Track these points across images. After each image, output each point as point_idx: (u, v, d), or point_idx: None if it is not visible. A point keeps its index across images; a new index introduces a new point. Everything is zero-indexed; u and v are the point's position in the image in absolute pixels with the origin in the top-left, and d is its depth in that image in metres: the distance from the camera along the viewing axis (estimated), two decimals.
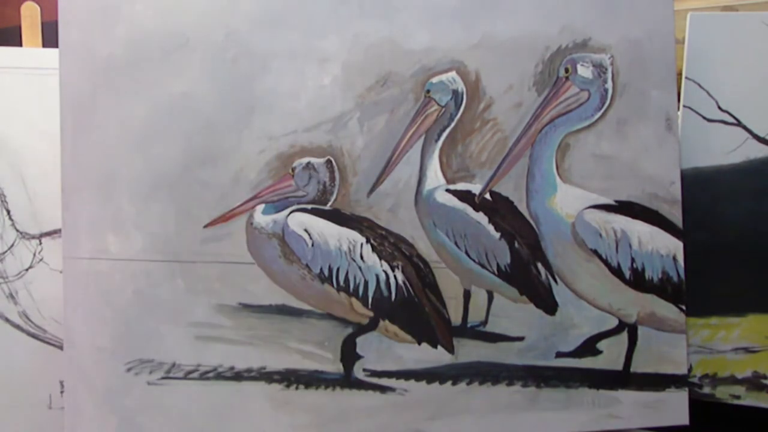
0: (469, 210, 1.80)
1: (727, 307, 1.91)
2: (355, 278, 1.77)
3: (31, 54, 2.12)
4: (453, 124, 1.79)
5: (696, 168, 1.92)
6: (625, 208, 1.83)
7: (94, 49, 1.73)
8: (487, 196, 1.80)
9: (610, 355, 1.83)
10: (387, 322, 1.78)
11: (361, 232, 1.78)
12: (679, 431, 1.86)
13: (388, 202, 1.78)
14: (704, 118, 1.93)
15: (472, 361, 1.80)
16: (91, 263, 1.74)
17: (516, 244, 1.81)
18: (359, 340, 1.78)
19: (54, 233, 2.06)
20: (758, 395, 1.90)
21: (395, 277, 1.78)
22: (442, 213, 1.79)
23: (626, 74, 1.82)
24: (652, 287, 1.84)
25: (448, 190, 1.79)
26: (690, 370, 1.89)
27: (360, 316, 1.78)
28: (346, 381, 1.78)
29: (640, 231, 1.83)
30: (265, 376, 1.77)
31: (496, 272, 1.81)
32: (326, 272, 1.77)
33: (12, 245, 2.06)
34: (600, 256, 1.82)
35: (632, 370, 1.83)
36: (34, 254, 2.07)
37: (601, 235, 1.82)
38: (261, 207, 1.76)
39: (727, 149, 1.91)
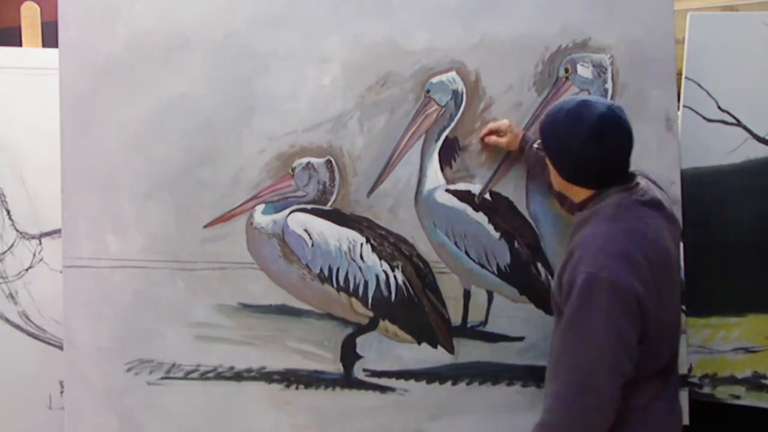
0: (469, 210, 1.80)
1: (727, 307, 1.91)
2: (355, 278, 1.77)
3: (31, 54, 2.13)
4: (453, 124, 1.79)
5: (696, 168, 1.92)
6: None
7: (94, 49, 1.74)
8: (487, 196, 1.80)
9: None
10: (387, 322, 1.78)
11: (361, 232, 1.78)
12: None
13: (388, 202, 1.78)
14: (704, 118, 1.93)
15: (472, 361, 1.80)
16: (91, 263, 1.74)
17: (516, 244, 1.81)
18: (359, 340, 1.78)
19: (54, 233, 2.06)
20: (758, 395, 1.90)
21: (395, 277, 1.78)
22: (442, 213, 1.79)
23: (626, 74, 1.81)
24: None
25: (447, 190, 1.79)
26: (690, 370, 1.89)
27: (360, 316, 1.78)
28: (346, 381, 1.78)
29: None
30: (265, 376, 1.77)
31: (496, 272, 1.80)
32: (326, 272, 1.77)
33: (12, 245, 2.06)
34: None
35: None
36: (34, 254, 2.07)
37: None
38: (261, 207, 1.76)
39: (727, 149, 1.91)
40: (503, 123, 1.74)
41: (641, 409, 1.39)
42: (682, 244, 1.82)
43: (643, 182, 1.48)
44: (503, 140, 1.73)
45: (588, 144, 1.39)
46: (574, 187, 1.48)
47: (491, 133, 1.75)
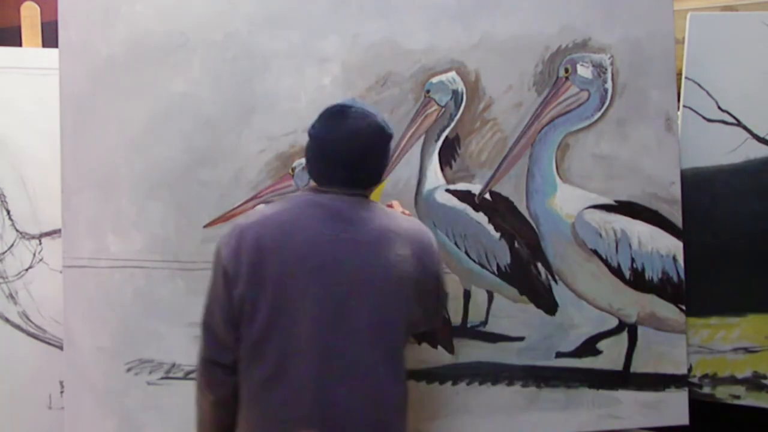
0: (469, 210, 1.80)
1: (727, 307, 1.91)
2: None
3: (31, 54, 2.13)
4: (453, 124, 1.79)
5: (696, 168, 1.92)
6: (625, 208, 1.83)
7: (94, 49, 1.73)
8: (487, 196, 1.80)
9: (610, 355, 1.83)
10: None
11: None
12: (679, 431, 1.86)
13: (388, 202, 1.78)
14: (704, 118, 1.93)
15: (472, 361, 1.80)
16: (91, 263, 1.74)
17: (516, 244, 1.81)
18: None
19: (54, 233, 2.06)
20: (758, 395, 1.90)
21: None
22: (442, 213, 1.79)
23: (626, 74, 1.81)
24: (652, 287, 1.83)
25: (447, 190, 1.79)
26: (690, 370, 1.89)
27: None
28: None
29: (640, 231, 1.83)
30: None
31: (496, 272, 1.80)
32: None
33: (12, 245, 2.06)
34: (600, 256, 1.82)
35: (632, 370, 1.83)
36: (34, 254, 2.07)
37: (601, 235, 1.81)
38: (261, 207, 1.76)
39: (727, 149, 1.91)
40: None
41: (257, 386, 1.37)
42: (682, 244, 1.83)
43: (357, 202, 1.42)
44: None
45: (315, 125, 1.42)
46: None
47: None
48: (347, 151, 1.40)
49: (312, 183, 1.47)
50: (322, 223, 1.39)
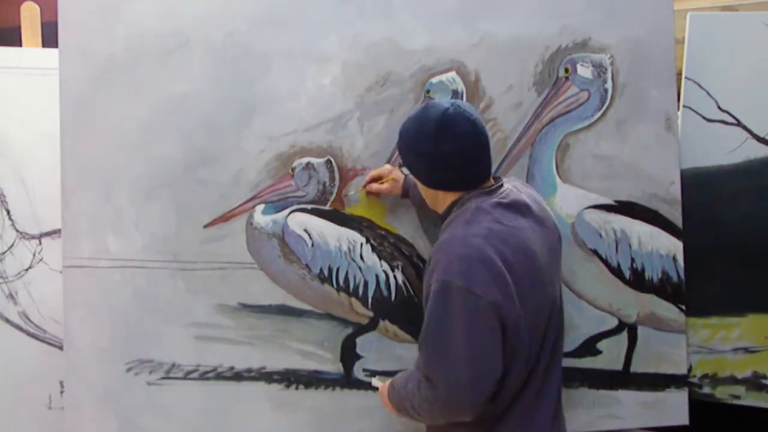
0: None
1: (727, 307, 1.91)
2: (354, 278, 1.77)
3: (31, 54, 2.13)
4: None
5: (696, 168, 1.92)
6: (625, 208, 1.83)
7: (94, 49, 1.73)
8: None
9: (610, 355, 1.83)
10: (387, 322, 1.78)
11: (360, 232, 1.78)
12: (679, 431, 1.86)
13: (388, 202, 1.78)
14: (704, 118, 1.93)
15: None
16: (91, 263, 1.74)
17: None
18: (359, 340, 1.78)
19: (54, 233, 2.06)
20: (758, 395, 1.90)
21: (395, 277, 1.78)
22: None
23: (626, 74, 1.81)
24: (651, 287, 1.83)
25: None
26: (690, 370, 1.89)
27: (360, 316, 1.78)
28: (346, 381, 1.78)
29: (640, 231, 1.83)
30: (265, 376, 1.77)
31: None
32: (326, 272, 1.77)
33: (12, 245, 2.06)
34: (600, 256, 1.82)
35: (632, 370, 1.83)
36: (34, 254, 2.07)
37: (600, 235, 1.81)
38: (261, 207, 1.76)
39: (727, 149, 1.91)
40: (384, 168, 1.73)
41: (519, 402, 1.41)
42: (682, 244, 1.84)
43: (509, 186, 1.47)
44: (384, 187, 1.71)
45: (436, 141, 1.38)
46: (440, 194, 1.47)
47: (373, 180, 1.73)
48: (483, 146, 1.42)
49: (445, 192, 1.45)
50: (523, 220, 1.41)
